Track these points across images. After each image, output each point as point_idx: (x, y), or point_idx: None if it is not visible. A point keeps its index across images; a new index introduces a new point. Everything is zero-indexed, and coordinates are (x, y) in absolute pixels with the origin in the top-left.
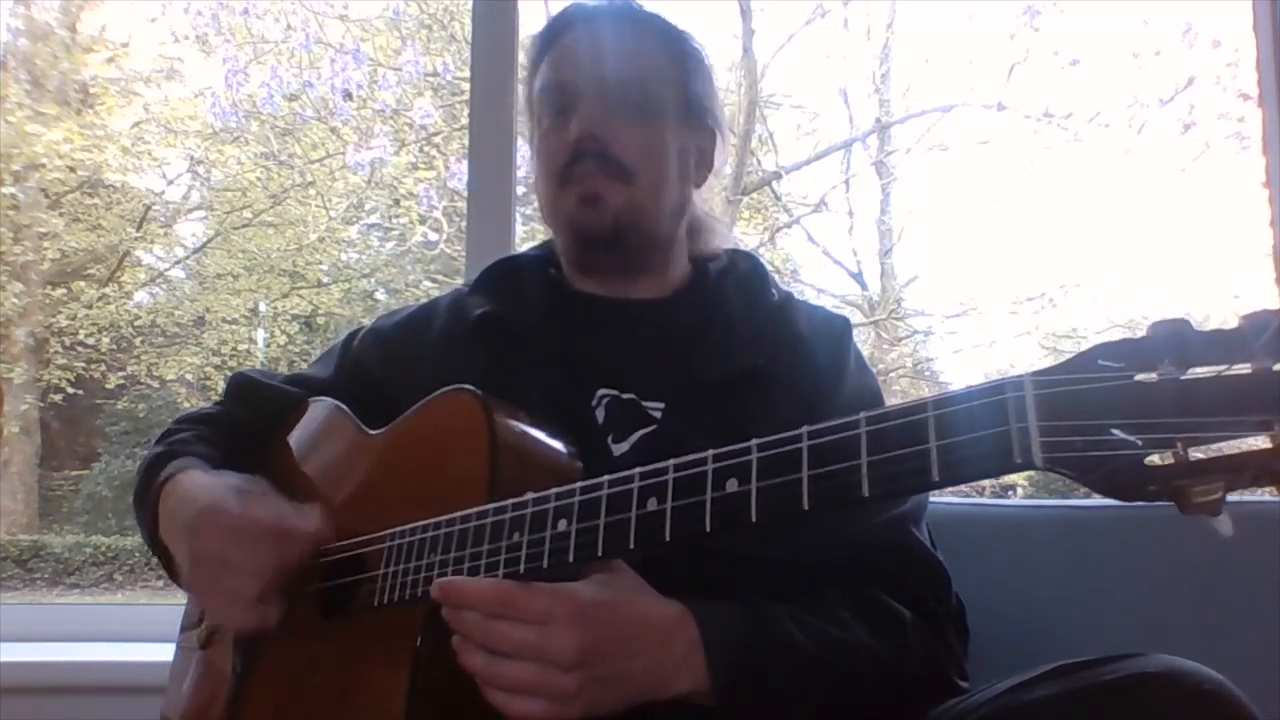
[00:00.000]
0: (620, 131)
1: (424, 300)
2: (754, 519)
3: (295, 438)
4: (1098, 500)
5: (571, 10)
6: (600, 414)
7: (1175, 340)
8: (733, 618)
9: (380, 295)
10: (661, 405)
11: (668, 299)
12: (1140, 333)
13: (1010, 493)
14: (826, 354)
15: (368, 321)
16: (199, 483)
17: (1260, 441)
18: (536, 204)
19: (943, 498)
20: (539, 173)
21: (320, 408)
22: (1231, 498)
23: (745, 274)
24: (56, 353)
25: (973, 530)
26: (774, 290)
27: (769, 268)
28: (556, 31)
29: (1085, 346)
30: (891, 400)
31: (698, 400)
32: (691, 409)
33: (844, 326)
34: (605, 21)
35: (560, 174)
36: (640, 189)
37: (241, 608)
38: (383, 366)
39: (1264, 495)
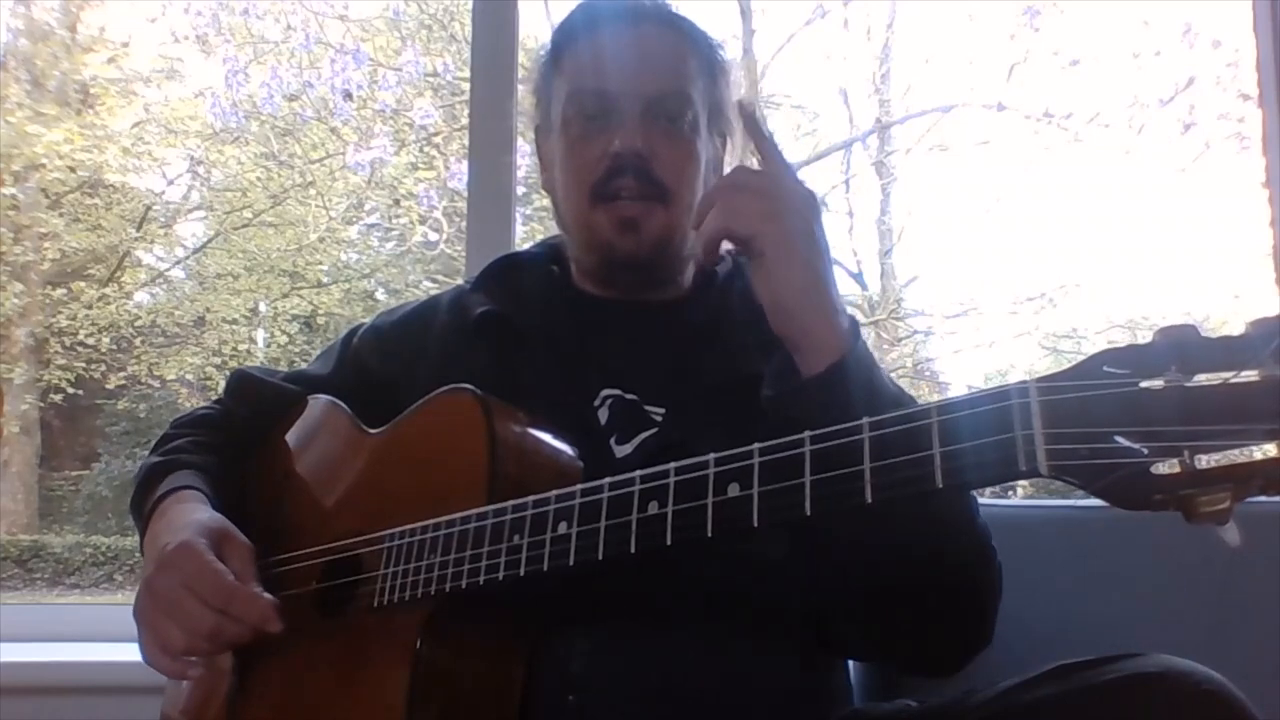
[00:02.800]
0: (661, 150)
1: (424, 298)
2: (755, 524)
3: (294, 436)
4: (1098, 500)
5: (600, 4)
6: (604, 414)
7: (1180, 346)
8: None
9: (380, 295)
10: (662, 410)
11: (675, 301)
12: (1144, 337)
13: (1010, 493)
14: None
15: (368, 320)
16: (185, 515)
17: (1268, 449)
18: (538, 204)
19: None
20: (565, 182)
21: (319, 406)
22: None
23: None
24: (56, 353)
25: None
26: None
27: None
28: (584, 25)
29: (1085, 347)
30: None
31: (701, 404)
32: (693, 413)
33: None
34: (642, 23)
35: (595, 189)
36: (676, 211)
37: (166, 655)
38: (383, 364)
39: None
